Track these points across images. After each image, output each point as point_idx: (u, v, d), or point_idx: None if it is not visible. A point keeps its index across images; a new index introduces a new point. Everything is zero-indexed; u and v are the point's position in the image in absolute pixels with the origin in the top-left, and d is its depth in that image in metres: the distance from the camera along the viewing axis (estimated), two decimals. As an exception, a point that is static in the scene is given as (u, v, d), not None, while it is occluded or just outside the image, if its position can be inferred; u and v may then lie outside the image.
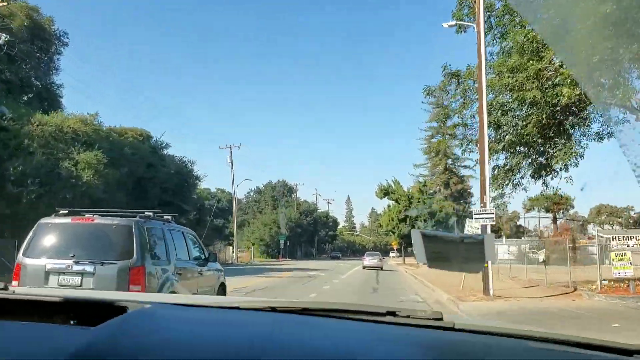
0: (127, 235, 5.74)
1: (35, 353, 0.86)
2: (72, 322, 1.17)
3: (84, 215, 6.09)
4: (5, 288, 1.30)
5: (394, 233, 43.43)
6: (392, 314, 1.19)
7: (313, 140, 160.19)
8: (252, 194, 69.61)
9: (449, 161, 53.32)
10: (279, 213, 54.29)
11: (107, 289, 5.34)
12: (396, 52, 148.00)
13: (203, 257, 7.57)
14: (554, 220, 48.60)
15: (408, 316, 1.18)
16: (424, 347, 1.02)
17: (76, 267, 5.64)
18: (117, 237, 5.81)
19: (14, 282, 5.74)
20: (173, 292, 6.10)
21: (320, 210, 75.70)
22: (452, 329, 1.15)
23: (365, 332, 1.10)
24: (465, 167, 52.75)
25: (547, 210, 55.85)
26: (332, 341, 0.99)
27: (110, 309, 1.11)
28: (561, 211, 48.92)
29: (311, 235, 64.85)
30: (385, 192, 43.94)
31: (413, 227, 39.96)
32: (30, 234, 6.00)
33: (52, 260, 5.72)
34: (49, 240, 5.94)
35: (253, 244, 53.09)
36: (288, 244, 51.85)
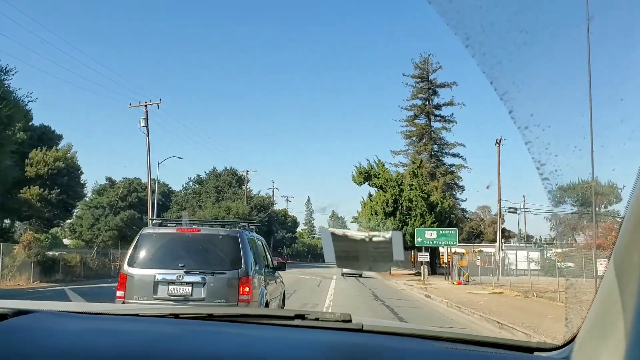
0: (234, 246, 6.87)
1: None
2: None
3: (181, 224, 7.41)
4: None
5: (378, 232, 42.33)
6: (301, 317, 1.32)
7: (271, 134, 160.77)
8: (191, 184, 68.49)
9: (435, 147, 54.02)
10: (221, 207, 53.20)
11: (217, 299, 6.57)
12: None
13: (272, 265, 8.90)
14: (595, 216, 47.08)
15: (317, 319, 1.32)
16: (332, 350, 1.15)
17: (187, 278, 6.66)
18: (225, 247, 6.91)
19: (119, 292, 6.74)
20: (266, 301, 7.38)
21: (277, 208, 76.00)
22: (361, 330, 1.29)
23: (273, 336, 1.20)
24: (454, 155, 54.19)
25: (582, 204, 56.15)
26: (237, 347, 1.08)
27: None
28: (603, 205, 48.07)
29: (266, 236, 65.03)
30: (365, 176, 40.60)
31: (404, 224, 37.64)
32: (134, 243, 7.05)
33: (161, 271, 6.71)
34: (155, 250, 6.98)
35: None
36: (234, 247, 50.11)
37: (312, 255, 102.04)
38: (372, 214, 39.48)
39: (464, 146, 55.71)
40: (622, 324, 0.95)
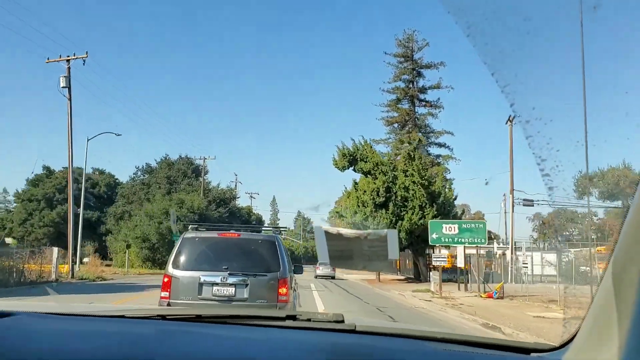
0: (272, 249, 8.19)
1: None
2: None
3: (225, 230, 9.13)
4: None
5: (366, 227, 35.28)
6: (292, 317, 1.43)
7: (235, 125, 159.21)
8: (140, 174, 67.38)
9: (420, 134, 54.31)
10: (171, 200, 52.00)
11: (258, 299, 7.78)
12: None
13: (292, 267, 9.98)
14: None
15: (309, 319, 1.42)
16: (324, 351, 1.22)
17: (231, 279, 7.88)
18: (264, 251, 8.23)
19: (163, 293, 7.91)
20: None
21: (240, 206, 75.53)
22: (354, 331, 1.38)
23: (264, 338, 1.28)
24: (440, 145, 54.64)
25: (610, 196, 54.75)
26: (225, 349, 1.15)
27: None
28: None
29: None
30: (349, 160, 37.21)
31: (399, 218, 35.08)
32: (177, 247, 8.28)
33: (205, 273, 7.92)
34: (198, 253, 8.22)
35: (128, 247, 48.79)
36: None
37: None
38: (358, 206, 36.51)
39: (452, 134, 56.24)
40: (620, 326, 1.03)
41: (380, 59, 71.61)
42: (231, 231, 8.86)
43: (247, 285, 7.88)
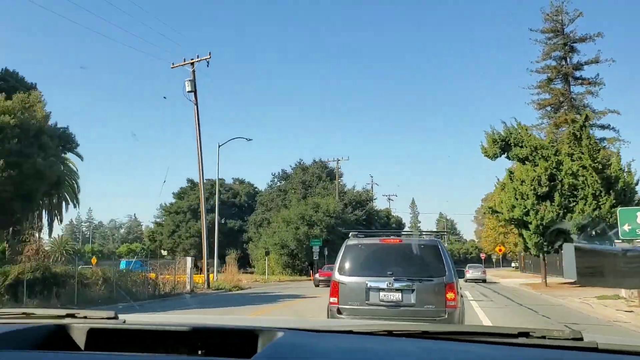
0: (435, 254, 8.47)
1: None
2: (199, 352, 1.61)
3: (389, 236, 9.57)
4: (115, 317, 1.73)
5: (527, 223, 32.35)
6: (525, 334, 1.43)
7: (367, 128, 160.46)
8: (276, 181, 70.26)
9: (579, 116, 50.07)
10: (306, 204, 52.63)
11: (426, 304, 8.14)
12: None
13: None
14: None
15: (543, 337, 1.42)
16: None
17: (397, 284, 8.22)
18: (427, 256, 8.54)
19: (332, 299, 8.56)
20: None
21: (377, 208, 75.42)
22: (595, 349, 1.35)
23: (497, 355, 1.34)
24: (603, 127, 49.80)
25: None
26: None
27: (236, 335, 1.60)
28: None
29: None
30: (502, 145, 33.77)
31: (567, 210, 31.48)
32: (341, 253, 8.83)
33: (371, 278, 8.36)
34: (363, 259, 8.75)
35: (267, 254, 49.93)
36: (326, 251, 45.71)
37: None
38: (516, 199, 32.61)
39: (618, 113, 50.95)
40: None
41: (523, 38, 67.48)
42: (392, 237, 9.40)
43: (413, 290, 8.22)
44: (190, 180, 77.64)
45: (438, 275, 8.25)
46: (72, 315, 1.75)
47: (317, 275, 35.46)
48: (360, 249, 8.83)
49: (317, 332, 1.60)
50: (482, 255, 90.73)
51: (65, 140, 32.11)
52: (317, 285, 33.40)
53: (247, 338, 1.52)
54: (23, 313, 1.88)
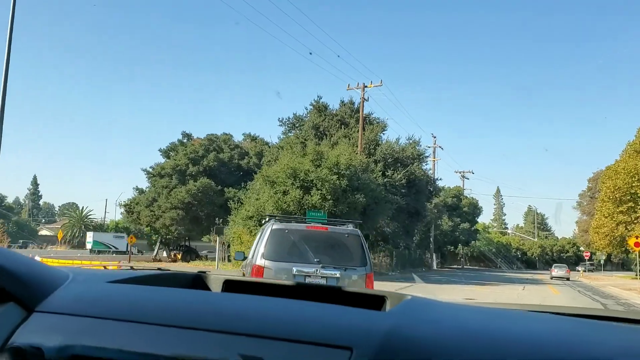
0: (358, 244, 9.13)
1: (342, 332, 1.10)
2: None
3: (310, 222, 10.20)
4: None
5: None
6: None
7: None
8: (286, 129, 48.17)
9: None
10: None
11: None
12: None
13: None
14: None
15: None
16: None
17: (323, 271, 8.75)
18: (351, 245, 9.18)
19: None
20: None
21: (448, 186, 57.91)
22: None
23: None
24: None
25: None
26: None
27: (367, 298, 1.61)
28: None
29: (410, 219, 41.48)
30: None
31: None
32: (266, 237, 9.10)
33: (299, 264, 8.81)
34: (289, 245, 9.12)
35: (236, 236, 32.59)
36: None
37: (502, 259, 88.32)
38: None
39: None
40: None
41: None
42: (317, 224, 9.71)
43: (337, 279, 8.50)
44: (185, 134, 58.17)
45: (360, 265, 8.76)
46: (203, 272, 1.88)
47: None
48: (286, 234, 8.97)
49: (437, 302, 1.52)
50: (586, 254, 67.10)
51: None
52: None
53: (376, 300, 1.58)
54: (158, 268, 2.02)
